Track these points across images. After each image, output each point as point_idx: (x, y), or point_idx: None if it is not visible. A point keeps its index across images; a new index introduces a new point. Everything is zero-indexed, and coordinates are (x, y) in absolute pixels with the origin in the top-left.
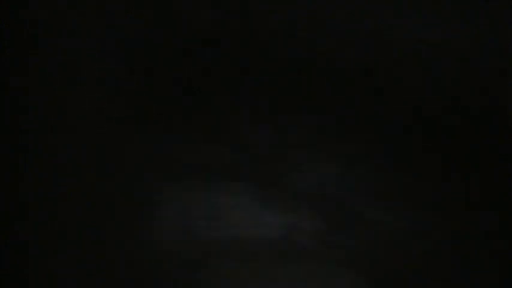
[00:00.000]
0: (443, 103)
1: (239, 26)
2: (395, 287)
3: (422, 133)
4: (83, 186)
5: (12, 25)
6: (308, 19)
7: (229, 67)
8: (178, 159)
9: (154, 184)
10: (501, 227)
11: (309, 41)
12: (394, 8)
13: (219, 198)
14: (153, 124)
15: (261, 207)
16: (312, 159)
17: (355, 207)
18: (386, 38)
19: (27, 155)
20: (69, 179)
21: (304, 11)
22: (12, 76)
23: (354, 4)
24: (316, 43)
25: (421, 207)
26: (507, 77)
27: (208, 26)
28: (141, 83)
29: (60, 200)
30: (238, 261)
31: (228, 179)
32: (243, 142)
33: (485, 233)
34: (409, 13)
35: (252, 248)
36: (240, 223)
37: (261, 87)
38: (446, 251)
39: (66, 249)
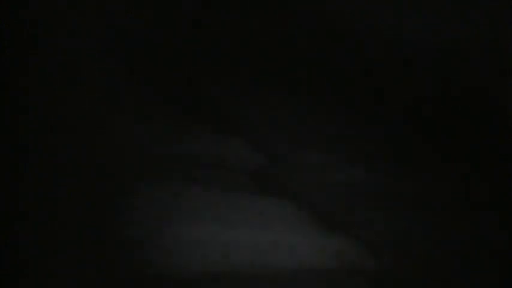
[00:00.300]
0: (444, 103)
1: (239, 26)
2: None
3: (422, 133)
4: (83, 186)
5: (12, 25)
6: (308, 18)
7: (230, 67)
8: (179, 158)
9: (154, 183)
10: (501, 227)
11: (309, 41)
12: (394, 8)
13: (219, 195)
14: (153, 124)
15: (263, 209)
16: (312, 160)
17: (355, 207)
18: (386, 38)
19: (27, 155)
20: (69, 179)
21: (304, 10)
22: (12, 76)
23: (354, 3)
24: (317, 42)
25: (421, 207)
26: (507, 77)
27: (209, 26)
28: (141, 83)
29: (60, 200)
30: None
31: (228, 179)
32: (244, 143)
33: (485, 233)
34: (409, 13)
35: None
36: (242, 224)
37: (263, 88)
38: (446, 251)
39: (66, 249)
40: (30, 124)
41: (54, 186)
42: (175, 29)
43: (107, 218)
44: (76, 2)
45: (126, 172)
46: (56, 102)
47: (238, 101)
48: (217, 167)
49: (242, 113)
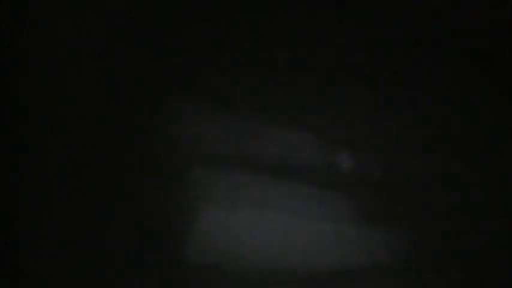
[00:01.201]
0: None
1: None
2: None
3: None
4: (82, 186)
5: (12, 25)
6: None
7: (232, 68)
8: (178, 158)
9: (154, 183)
10: (501, 226)
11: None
12: None
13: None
14: (153, 124)
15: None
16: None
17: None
18: None
19: (27, 155)
20: (69, 179)
21: None
22: (12, 76)
23: None
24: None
25: (421, 208)
26: None
27: (211, 26)
28: (141, 83)
29: (60, 200)
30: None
31: (228, 178)
32: (247, 146)
33: (485, 232)
34: None
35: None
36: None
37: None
38: (446, 251)
39: (67, 249)
40: (30, 124)
41: (54, 186)
42: (175, 29)
43: (107, 218)
44: (76, 2)
45: (126, 172)
46: (56, 102)
47: (240, 102)
48: (219, 164)
49: (246, 114)
